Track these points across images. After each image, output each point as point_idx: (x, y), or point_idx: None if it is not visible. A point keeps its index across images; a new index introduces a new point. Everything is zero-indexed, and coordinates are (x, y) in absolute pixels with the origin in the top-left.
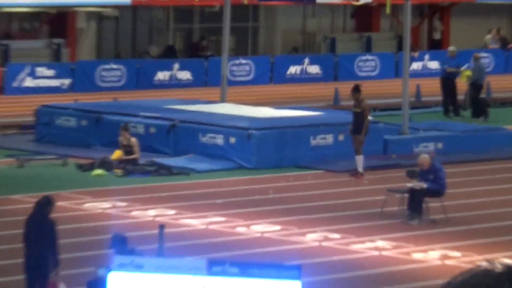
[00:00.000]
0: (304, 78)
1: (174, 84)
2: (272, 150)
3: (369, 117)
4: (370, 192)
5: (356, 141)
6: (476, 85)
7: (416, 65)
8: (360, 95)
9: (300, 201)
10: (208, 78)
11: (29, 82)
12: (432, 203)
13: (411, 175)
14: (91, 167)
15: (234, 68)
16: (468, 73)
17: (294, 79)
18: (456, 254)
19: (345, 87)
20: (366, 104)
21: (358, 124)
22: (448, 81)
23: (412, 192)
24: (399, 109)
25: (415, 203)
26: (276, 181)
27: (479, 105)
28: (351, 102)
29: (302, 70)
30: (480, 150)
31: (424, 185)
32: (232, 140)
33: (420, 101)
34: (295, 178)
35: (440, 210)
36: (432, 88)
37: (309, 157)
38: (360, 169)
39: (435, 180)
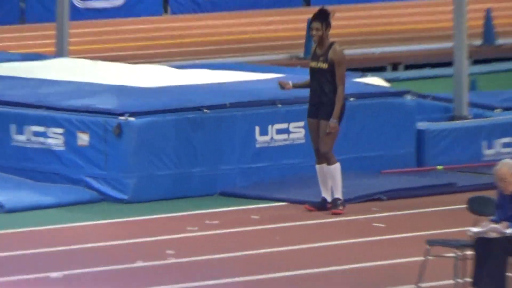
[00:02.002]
0: (239, 1)
1: None
2: (173, 159)
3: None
4: (387, 246)
5: (328, 137)
6: None
7: None
8: (327, 33)
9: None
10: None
11: None
12: None
13: (481, 207)
14: None
15: None
16: None
17: (217, 2)
18: None
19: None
20: (342, 55)
21: (328, 99)
22: None
23: (482, 245)
24: (447, 65)
25: (490, 270)
26: (179, 229)
27: None
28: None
29: None
30: None
31: (508, 230)
32: (83, 138)
33: (492, 45)
34: (219, 218)
35: None
36: None
37: (248, 173)
38: (339, 193)
39: None
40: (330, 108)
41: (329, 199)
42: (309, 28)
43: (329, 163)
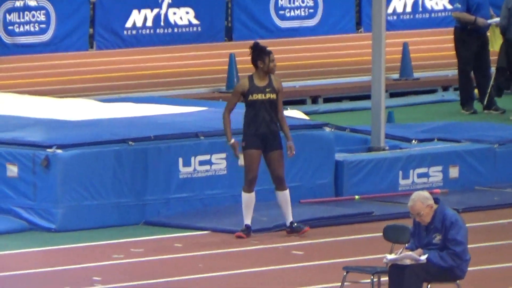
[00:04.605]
0: (163, 36)
1: None
2: (100, 190)
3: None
4: (306, 272)
5: (282, 162)
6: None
7: (399, 5)
8: (271, 65)
9: None
10: None
11: None
12: None
13: (396, 235)
14: None
15: (13, 18)
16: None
17: (141, 38)
18: None
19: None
20: (280, 85)
21: (277, 128)
22: (465, 36)
23: (396, 272)
24: (366, 97)
25: None
26: (105, 257)
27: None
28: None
29: (158, 17)
30: None
31: (423, 256)
32: (12, 170)
33: (409, 78)
34: (144, 246)
35: None
36: (434, 51)
37: (172, 203)
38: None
39: (445, 247)
40: (279, 136)
41: (287, 223)
42: (270, 60)
43: (285, 188)
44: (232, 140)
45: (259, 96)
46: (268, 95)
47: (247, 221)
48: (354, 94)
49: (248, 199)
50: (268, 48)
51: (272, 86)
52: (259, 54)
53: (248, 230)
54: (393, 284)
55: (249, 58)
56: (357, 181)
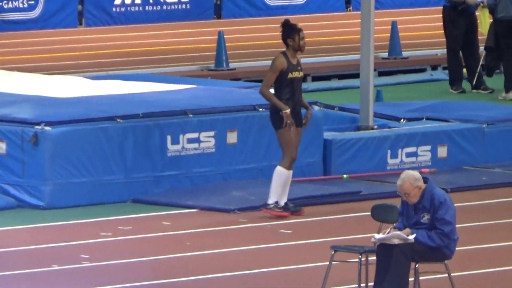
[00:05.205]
0: (152, 14)
1: None
2: (88, 167)
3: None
4: (294, 251)
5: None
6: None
7: None
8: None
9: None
10: None
11: None
12: (429, 276)
13: (385, 215)
14: None
15: None
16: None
17: (130, 15)
18: None
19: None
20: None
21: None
22: (454, 15)
23: (384, 251)
24: (355, 76)
25: (392, 276)
26: (93, 234)
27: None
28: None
29: None
30: None
31: (411, 236)
32: (0, 147)
33: (398, 57)
34: (132, 224)
35: None
36: (423, 30)
37: (160, 181)
38: (272, 199)
39: (433, 226)
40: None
41: (283, 203)
42: (300, 38)
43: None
44: (288, 109)
45: (296, 74)
46: (301, 73)
47: (285, 198)
48: (343, 73)
49: (288, 176)
50: (299, 25)
51: (300, 64)
52: (289, 31)
53: (286, 206)
54: (381, 264)
55: (238, 36)
56: (345, 160)
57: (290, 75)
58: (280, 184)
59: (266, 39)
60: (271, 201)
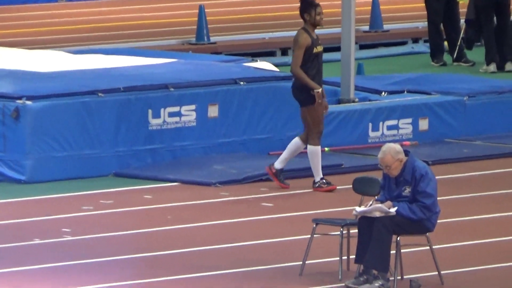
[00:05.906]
0: None
1: None
2: (69, 141)
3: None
4: (275, 224)
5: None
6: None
7: None
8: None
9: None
10: None
11: None
12: (411, 248)
13: (366, 188)
14: None
15: None
16: None
17: None
18: None
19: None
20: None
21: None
22: None
23: (365, 224)
24: (336, 49)
25: (373, 248)
26: (75, 208)
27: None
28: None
29: None
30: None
31: (392, 209)
32: None
33: (379, 30)
34: (113, 198)
35: (426, 263)
36: (404, 3)
37: (141, 154)
38: (318, 175)
39: (415, 199)
40: None
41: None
42: (317, 13)
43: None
44: (320, 88)
45: (320, 48)
46: (321, 48)
47: (320, 174)
48: (324, 46)
49: (320, 151)
50: (316, 1)
51: (318, 38)
52: (306, 6)
53: (328, 181)
54: (363, 236)
55: (219, 9)
56: (327, 133)
57: (315, 50)
58: (318, 161)
59: (246, 13)
60: (318, 178)
